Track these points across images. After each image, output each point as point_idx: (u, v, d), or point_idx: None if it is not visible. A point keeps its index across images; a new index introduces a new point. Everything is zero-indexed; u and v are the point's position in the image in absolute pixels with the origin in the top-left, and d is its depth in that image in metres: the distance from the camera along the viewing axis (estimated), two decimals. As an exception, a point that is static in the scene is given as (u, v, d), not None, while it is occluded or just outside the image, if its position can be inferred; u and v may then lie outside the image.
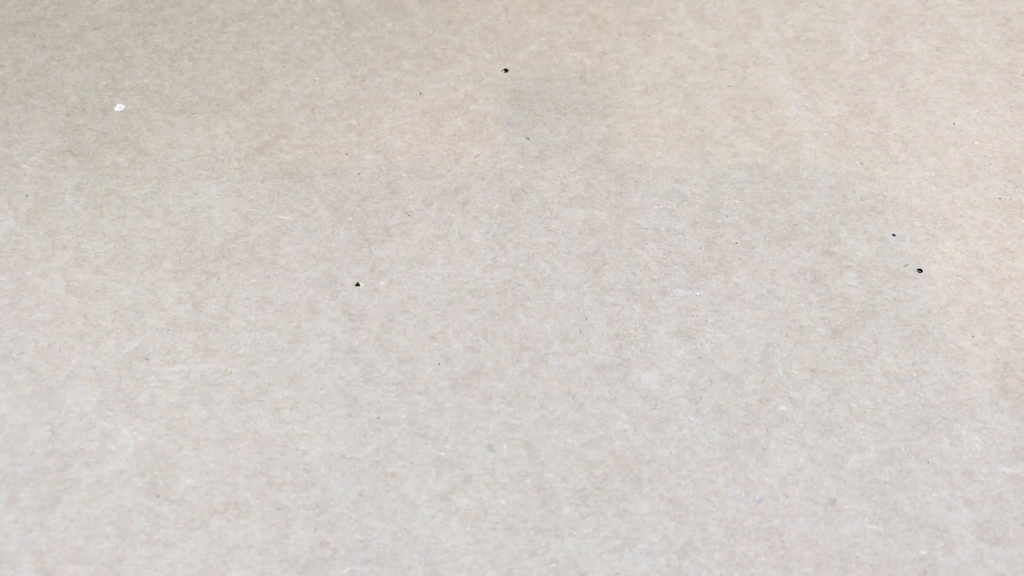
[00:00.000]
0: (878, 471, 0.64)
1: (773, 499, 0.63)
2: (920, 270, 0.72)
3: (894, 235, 0.73)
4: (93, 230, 0.72)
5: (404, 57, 0.82)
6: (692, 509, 0.62)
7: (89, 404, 0.65)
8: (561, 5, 0.86)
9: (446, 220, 0.74)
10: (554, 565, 0.61)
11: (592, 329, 0.69)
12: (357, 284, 0.71)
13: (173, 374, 0.67)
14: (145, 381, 0.66)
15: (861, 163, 0.77)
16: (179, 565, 0.60)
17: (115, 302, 0.69)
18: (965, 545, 0.61)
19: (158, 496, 0.62)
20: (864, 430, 0.65)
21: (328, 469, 0.63)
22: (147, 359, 0.67)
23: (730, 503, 0.63)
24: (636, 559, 0.61)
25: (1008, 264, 0.72)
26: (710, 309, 0.70)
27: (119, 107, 0.79)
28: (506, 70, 0.82)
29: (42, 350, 0.67)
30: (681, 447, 0.65)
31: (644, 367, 0.68)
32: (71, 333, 0.68)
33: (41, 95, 0.79)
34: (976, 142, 0.79)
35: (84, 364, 0.67)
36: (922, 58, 0.84)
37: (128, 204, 0.74)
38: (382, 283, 0.71)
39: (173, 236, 0.72)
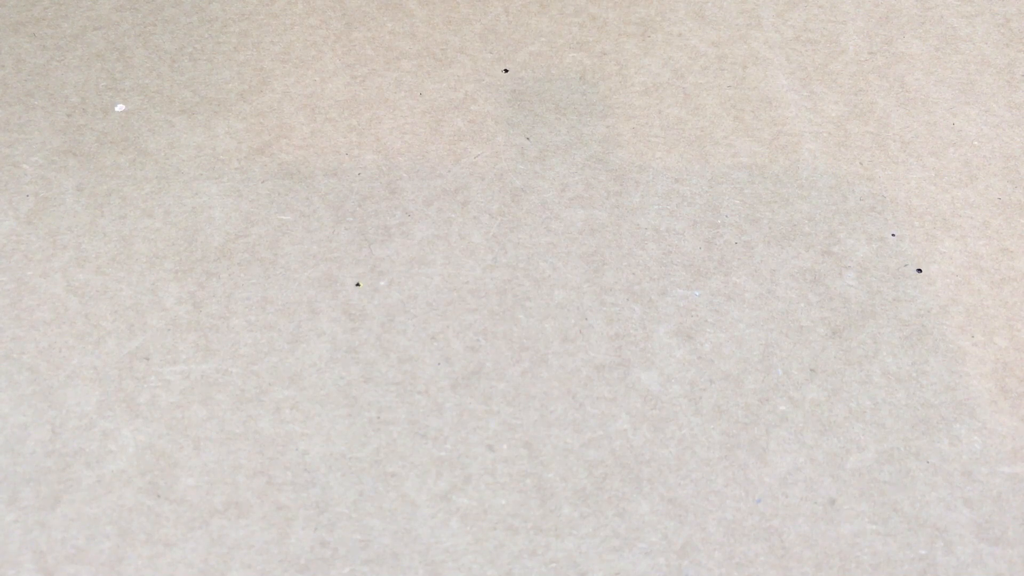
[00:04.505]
0: (878, 471, 0.64)
1: (773, 499, 0.63)
2: (920, 270, 0.72)
3: (894, 235, 0.74)
4: (94, 230, 0.72)
5: (404, 57, 0.83)
6: (692, 509, 0.63)
7: (90, 404, 0.65)
8: (561, 5, 0.86)
9: (446, 220, 0.74)
10: (554, 565, 0.61)
11: (592, 329, 0.69)
12: (357, 284, 0.71)
13: (174, 374, 0.67)
14: (146, 381, 0.66)
15: (861, 163, 0.77)
16: (179, 565, 0.60)
17: (116, 302, 0.69)
18: (964, 545, 0.62)
19: (159, 496, 0.62)
20: (864, 430, 0.65)
21: (328, 469, 0.63)
22: (148, 359, 0.67)
23: (730, 503, 0.63)
24: (636, 559, 0.61)
25: (1008, 264, 0.72)
26: (710, 309, 0.70)
27: (120, 107, 0.79)
28: (506, 70, 0.82)
29: (43, 350, 0.67)
30: (681, 447, 0.65)
31: (644, 367, 0.68)
32: (72, 333, 0.68)
33: (42, 95, 0.79)
34: (975, 142, 0.79)
35: (85, 364, 0.67)
36: (922, 58, 0.84)
37: (129, 204, 0.74)
38: (382, 283, 0.71)
39: (174, 236, 0.72)
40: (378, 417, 0.65)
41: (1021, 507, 0.63)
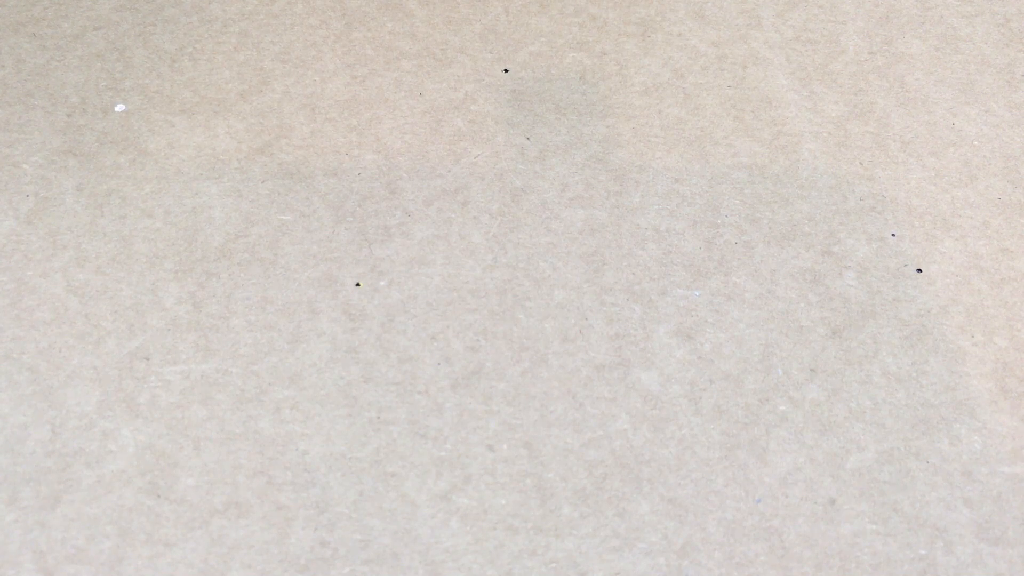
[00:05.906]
0: (878, 471, 0.64)
1: (773, 499, 0.63)
2: (920, 270, 0.72)
3: (894, 235, 0.74)
4: (94, 230, 0.73)
5: (404, 57, 0.83)
6: (692, 509, 0.63)
7: (90, 404, 0.65)
8: (561, 5, 0.86)
9: (446, 220, 0.74)
10: (554, 565, 0.61)
11: (592, 329, 0.69)
12: (357, 284, 0.71)
13: (174, 374, 0.67)
14: (146, 381, 0.66)
15: (861, 163, 0.77)
16: (179, 565, 0.60)
17: (116, 302, 0.69)
18: (964, 545, 0.62)
19: (159, 496, 0.62)
20: (864, 430, 0.65)
21: (328, 469, 0.63)
22: (148, 359, 0.67)
23: (730, 503, 0.63)
24: (636, 559, 0.61)
25: (1007, 264, 0.72)
26: (710, 309, 0.70)
27: (120, 107, 0.79)
28: (506, 70, 0.82)
29: (43, 350, 0.67)
30: (681, 447, 0.65)
31: (644, 367, 0.68)
32: (72, 333, 0.68)
33: (42, 95, 0.79)
34: (975, 142, 0.79)
35: (85, 364, 0.67)
36: (922, 58, 0.84)
37: (129, 204, 0.74)
38: (382, 283, 0.71)
39: (174, 236, 0.72)
40: (378, 417, 0.65)
41: (1021, 507, 0.63)
